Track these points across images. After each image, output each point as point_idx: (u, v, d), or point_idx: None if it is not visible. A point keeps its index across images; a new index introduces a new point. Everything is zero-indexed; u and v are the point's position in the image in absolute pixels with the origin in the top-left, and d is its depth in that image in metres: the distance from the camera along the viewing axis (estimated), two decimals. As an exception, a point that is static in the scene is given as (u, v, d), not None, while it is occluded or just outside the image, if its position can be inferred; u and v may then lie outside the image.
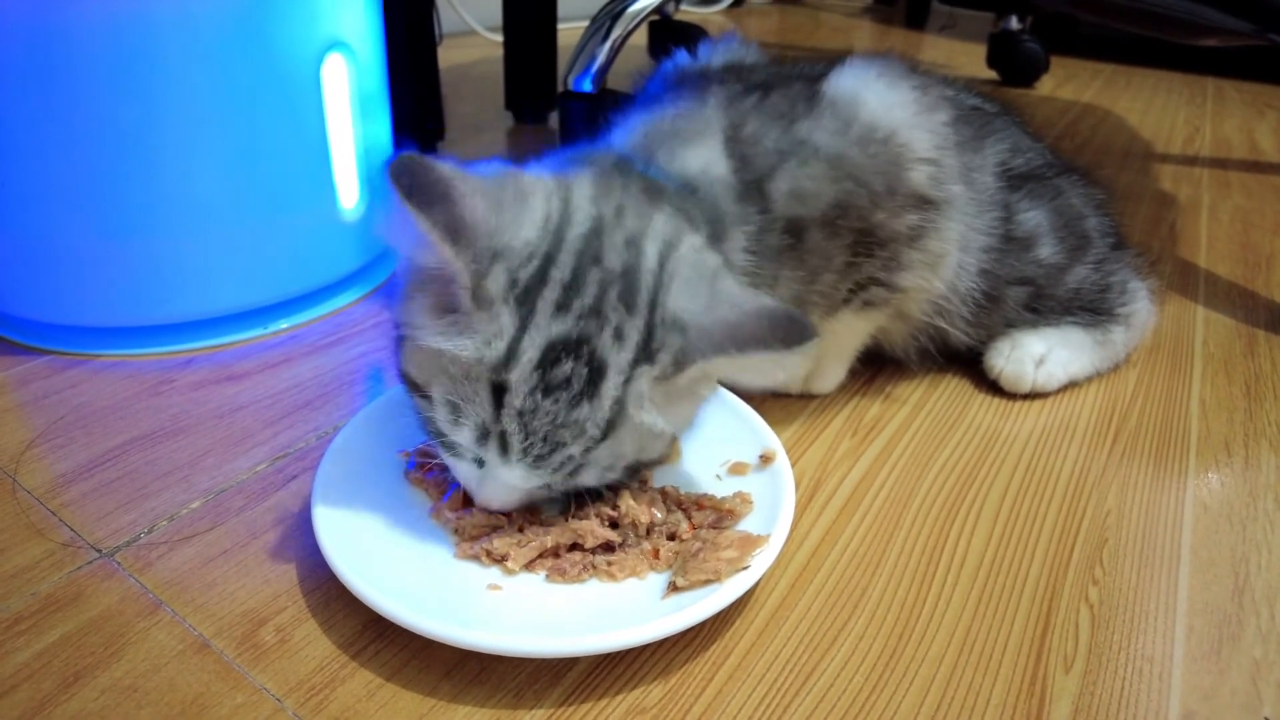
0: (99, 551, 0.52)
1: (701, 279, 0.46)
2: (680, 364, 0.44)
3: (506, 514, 0.51)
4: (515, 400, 0.43)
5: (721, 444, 0.58)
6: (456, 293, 0.43)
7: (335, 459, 0.54)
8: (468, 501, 0.54)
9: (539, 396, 0.43)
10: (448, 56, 1.71)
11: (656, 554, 0.49)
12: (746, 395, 0.63)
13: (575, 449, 0.44)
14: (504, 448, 0.44)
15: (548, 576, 0.49)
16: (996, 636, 0.49)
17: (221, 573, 0.51)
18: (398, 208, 0.42)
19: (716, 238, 0.51)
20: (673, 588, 0.47)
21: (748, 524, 0.51)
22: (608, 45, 1.18)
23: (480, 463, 0.47)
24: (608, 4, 1.22)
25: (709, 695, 0.45)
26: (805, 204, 0.55)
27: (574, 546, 0.50)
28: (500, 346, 0.43)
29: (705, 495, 0.53)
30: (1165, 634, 0.49)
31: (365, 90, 0.80)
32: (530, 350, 0.43)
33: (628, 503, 0.51)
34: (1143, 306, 0.74)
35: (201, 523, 0.55)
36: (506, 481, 0.46)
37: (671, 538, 0.51)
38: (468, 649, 0.43)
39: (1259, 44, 1.03)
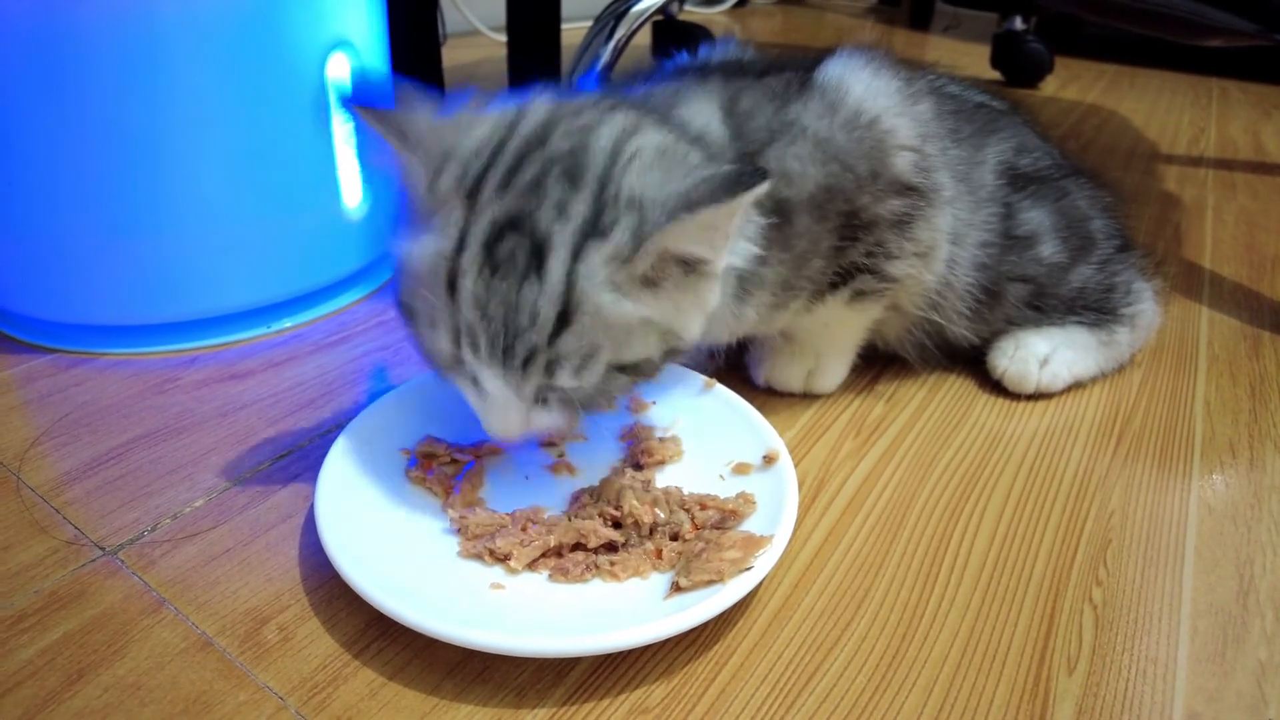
0: (102, 549, 0.52)
1: (664, 159, 0.46)
2: (638, 240, 0.43)
3: (510, 513, 0.52)
4: (467, 283, 0.44)
5: (725, 444, 0.58)
6: (419, 194, 0.46)
7: (338, 458, 0.54)
8: (472, 502, 0.54)
9: (488, 276, 0.43)
10: (452, 56, 1.71)
11: (659, 554, 0.49)
12: (750, 395, 0.63)
13: (535, 336, 0.43)
14: (474, 345, 0.44)
15: (550, 576, 0.49)
16: (1000, 637, 0.49)
17: (224, 571, 0.51)
18: (353, 119, 0.45)
19: None
20: (675, 588, 0.47)
21: (751, 524, 0.51)
22: (611, 45, 1.18)
23: (476, 384, 0.47)
24: (611, 4, 1.22)
25: (711, 695, 0.45)
26: (792, 185, 0.55)
27: (577, 546, 0.50)
28: (453, 234, 0.44)
29: (708, 495, 0.53)
30: (1169, 635, 0.49)
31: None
32: (475, 233, 0.44)
33: (631, 503, 0.51)
34: (1148, 307, 0.74)
35: (204, 521, 0.55)
36: (498, 396, 0.46)
37: (674, 538, 0.50)
38: (470, 648, 0.43)
39: (1264, 45, 1.03)
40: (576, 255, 0.43)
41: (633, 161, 0.45)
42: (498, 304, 0.43)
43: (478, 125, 0.47)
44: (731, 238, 0.46)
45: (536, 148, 0.46)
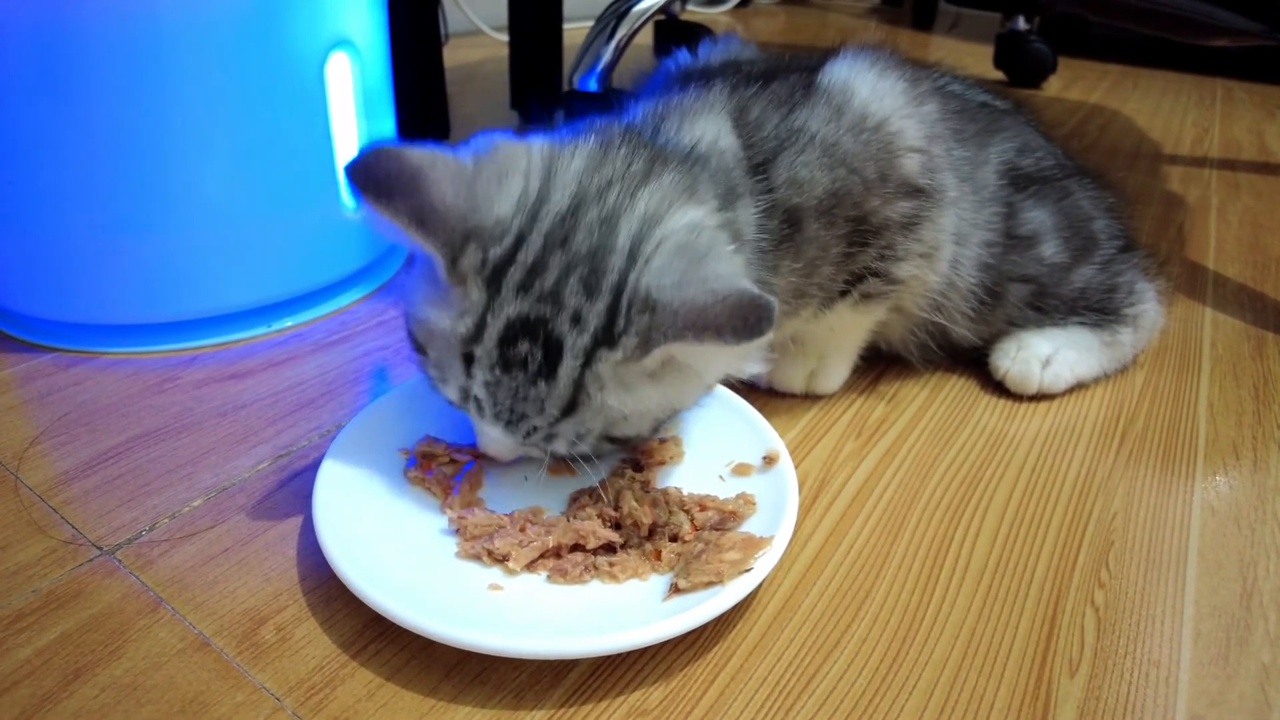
0: (100, 549, 0.52)
1: (685, 256, 0.45)
2: (645, 345, 0.44)
3: (508, 514, 0.52)
4: (480, 372, 0.46)
5: (725, 445, 0.58)
6: (437, 270, 0.46)
7: (337, 457, 0.53)
8: (471, 502, 0.54)
9: (499, 372, 0.45)
10: (454, 56, 1.71)
11: (658, 555, 0.49)
12: (751, 395, 0.63)
13: (538, 421, 0.46)
14: (480, 410, 0.47)
15: (549, 577, 0.48)
16: (1001, 640, 0.48)
17: (222, 571, 0.51)
18: (361, 202, 0.44)
19: (728, 207, 0.51)
20: (675, 589, 0.46)
21: (751, 525, 0.50)
22: (613, 44, 1.18)
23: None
24: (613, 3, 1.22)
25: (710, 697, 0.44)
26: (802, 192, 0.55)
27: (576, 547, 0.50)
28: (470, 322, 0.45)
29: (708, 496, 0.53)
30: (1172, 638, 0.49)
31: (370, 88, 0.79)
32: (493, 328, 0.45)
33: (630, 503, 0.51)
34: (1151, 308, 0.74)
35: (203, 520, 0.54)
36: (495, 438, 0.49)
37: (674, 539, 0.50)
38: (468, 649, 0.43)
39: (1269, 45, 1.02)
40: (588, 363, 0.44)
41: (653, 258, 0.45)
42: (506, 394, 0.46)
43: (501, 195, 0.46)
44: (734, 363, 0.47)
45: (558, 248, 0.45)
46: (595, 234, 0.46)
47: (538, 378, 0.45)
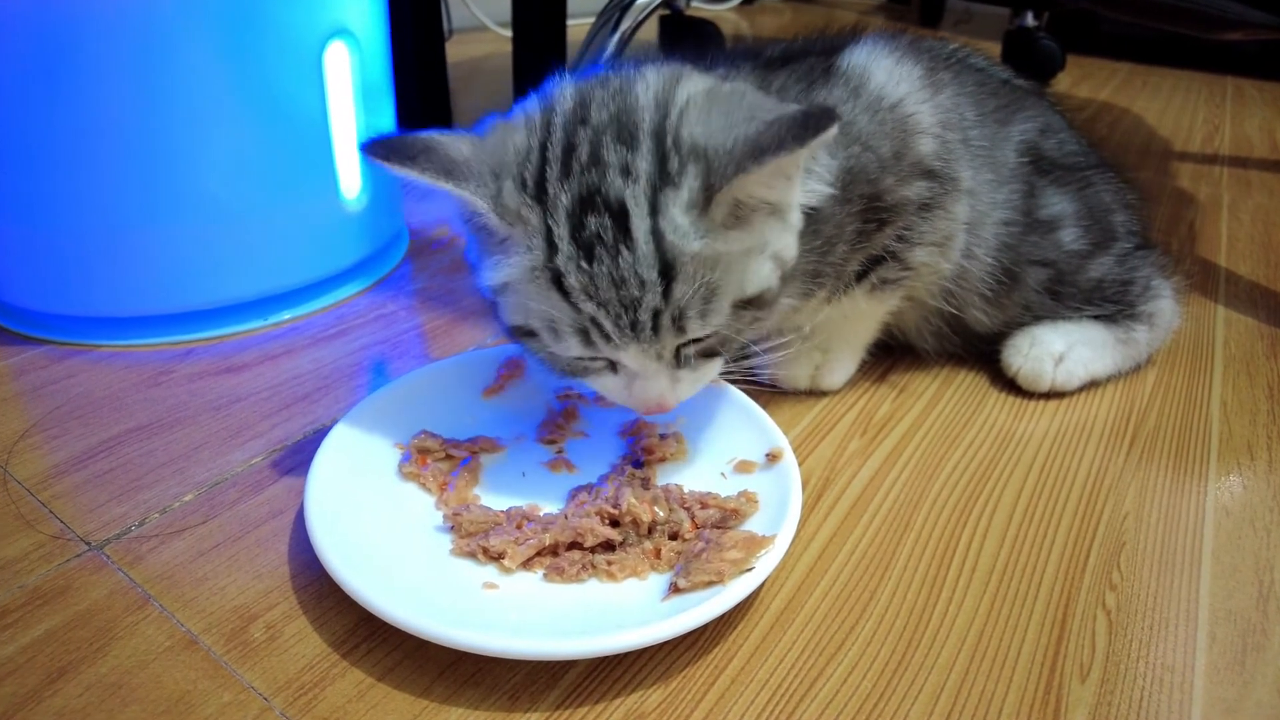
0: (88, 544, 0.51)
1: (719, 102, 0.45)
2: (709, 190, 0.43)
3: (504, 511, 0.50)
4: (572, 280, 0.43)
5: (728, 442, 0.56)
6: (489, 223, 0.45)
7: (331, 453, 0.52)
8: (467, 499, 0.52)
9: (586, 264, 0.43)
10: (459, 51, 1.70)
11: (658, 554, 0.48)
12: (755, 392, 0.61)
13: (651, 299, 0.43)
14: (604, 333, 0.44)
15: (545, 575, 0.47)
16: (1009, 643, 0.47)
17: (212, 567, 0.50)
18: (387, 172, 0.44)
19: None
20: (674, 589, 0.45)
21: (753, 524, 0.49)
22: (616, 37, 1.17)
23: (614, 368, 0.48)
24: (617, -3, 1.21)
25: (710, 701, 0.43)
26: None
27: (573, 545, 0.49)
28: (539, 241, 0.44)
29: (710, 494, 0.52)
30: (1186, 642, 0.48)
31: (369, 80, 0.78)
32: (560, 226, 0.43)
33: (629, 500, 0.50)
34: (1167, 306, 0.72)
35: (193, 516, 0.53)
36: (642, 369, 0.46)
37: (674, 537, 0.49)
38: (462, 649, 0.42)
39: (1282, 39, 1.01)
40: (655, 210, 0.43)
41: (686, 110, 0.45)
42: (606, 286, 0.43)
43: (513, 132, 0.47)
44: (802, 176, 0.46)
45: (580, 126, 0.45)
46: (612, 103, 0.46)
47: (618, 246, 0.43)
